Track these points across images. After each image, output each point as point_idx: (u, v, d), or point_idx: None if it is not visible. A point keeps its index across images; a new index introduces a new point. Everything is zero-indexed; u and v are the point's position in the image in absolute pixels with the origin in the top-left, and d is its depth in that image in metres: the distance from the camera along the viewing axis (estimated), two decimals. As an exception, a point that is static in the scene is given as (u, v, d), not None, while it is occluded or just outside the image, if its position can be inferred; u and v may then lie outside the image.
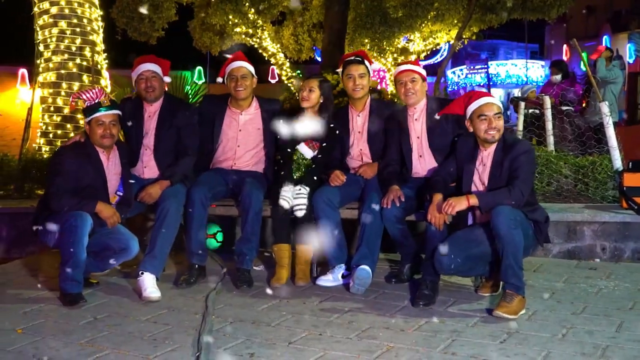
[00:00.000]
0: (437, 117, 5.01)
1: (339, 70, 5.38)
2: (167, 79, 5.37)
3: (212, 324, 4.13)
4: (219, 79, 5.51)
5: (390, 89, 14.54)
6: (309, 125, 5.24)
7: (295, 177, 5.19)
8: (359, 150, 5.36)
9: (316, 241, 5.15)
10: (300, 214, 5.01)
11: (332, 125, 5.30)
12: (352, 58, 5.34)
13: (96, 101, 4.84)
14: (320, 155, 5.26)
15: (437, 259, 4.47)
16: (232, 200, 5.36)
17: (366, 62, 5.30)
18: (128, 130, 5.34)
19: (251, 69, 5.41)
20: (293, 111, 5.41)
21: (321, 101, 5.27)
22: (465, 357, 3.60)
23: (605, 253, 5.88)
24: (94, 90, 4.91)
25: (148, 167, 5.31)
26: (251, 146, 5.45)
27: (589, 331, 3.97)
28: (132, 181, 5.14)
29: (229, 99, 5.49)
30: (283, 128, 5.28)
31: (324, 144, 5.26)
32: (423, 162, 5.12)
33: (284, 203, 5.01)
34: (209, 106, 5.55)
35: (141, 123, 5.32)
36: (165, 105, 5.35)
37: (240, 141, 5.42)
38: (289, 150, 5.26)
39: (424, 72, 5.14)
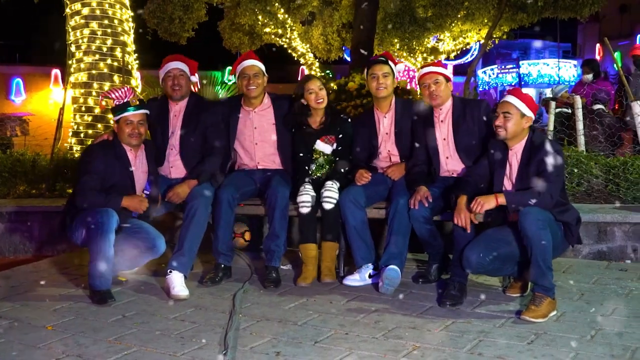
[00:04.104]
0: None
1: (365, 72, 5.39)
2: (194, 79, 5.40)
3: (239, 323, 4.15)
4: (231, 77, 5.54)
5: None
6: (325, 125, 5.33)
7: (319, 175, 5.23)
8: (387, 151, 5.34)
9: (342, 239, 5.17)
10: (328, 206, 5.02)
11: (342, 116, 5.39)
12: (376, 58, 5.34)
13: (125, 100, 4.89)
14: (340, 147, 5.28)
15: (465, 257, 4.44)
16: (258, 199, 5.38)
17: (390, 62, 5.28)
18: (154, 130, 5.36)
19: (263, 67, 5.41)
20: (296, 117, 5.40)
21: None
22: (491, 358, 3.57)
23: (636, 254, 5.79)
24: (122, 90, 4.95)
25: (175, 167, 5.33)
26: (269, 142, 5.43)
27: (618, 333, 3.92)
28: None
29: (242, 98, 5.50)
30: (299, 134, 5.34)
31: (340, 135, 5.28)
32: (451, 163, 5.09)
33: (305, 197, 5.04)
34: (224, 109, 5.53)
35: (167, 123, 5.34)
36: (190, 105, 5.36)
37: (257, 138, 5.42)
38: (301, 154, 5.30)
39: (447, 73, 5.11)
